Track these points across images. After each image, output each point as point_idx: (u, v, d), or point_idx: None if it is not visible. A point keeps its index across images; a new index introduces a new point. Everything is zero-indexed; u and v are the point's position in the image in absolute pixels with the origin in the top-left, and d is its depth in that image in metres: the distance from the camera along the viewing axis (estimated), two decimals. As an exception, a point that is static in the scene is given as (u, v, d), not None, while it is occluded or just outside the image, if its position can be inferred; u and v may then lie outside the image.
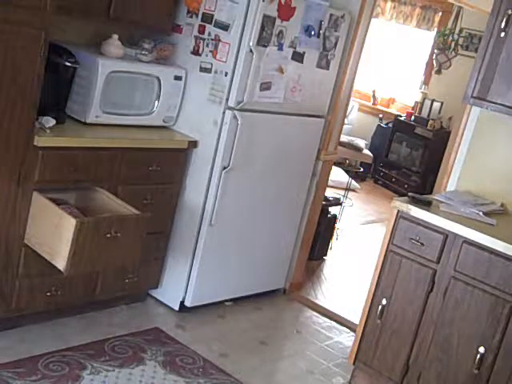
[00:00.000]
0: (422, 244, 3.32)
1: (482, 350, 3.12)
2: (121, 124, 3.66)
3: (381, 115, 9.11)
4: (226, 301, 4.26)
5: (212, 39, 3.75)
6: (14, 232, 3.21)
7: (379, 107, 9.39)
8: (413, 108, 8.74)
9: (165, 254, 3.99)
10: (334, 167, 5.19)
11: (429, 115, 8.38)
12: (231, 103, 3.73)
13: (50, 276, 3.33)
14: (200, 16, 3.80)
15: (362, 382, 3.61)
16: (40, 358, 3.21)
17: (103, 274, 3.61)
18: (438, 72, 8.54)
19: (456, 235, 3.21)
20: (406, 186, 8.25)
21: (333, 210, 5.71)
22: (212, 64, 3.76)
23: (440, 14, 8.75)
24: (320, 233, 5.16)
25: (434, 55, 8.55)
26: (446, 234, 3.25)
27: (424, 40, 8.99)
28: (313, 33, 3.95)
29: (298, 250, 4.64)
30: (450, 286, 3.24)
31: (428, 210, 3.32)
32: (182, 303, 4.00)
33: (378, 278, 3.49)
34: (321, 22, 3.98)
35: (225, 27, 3.69)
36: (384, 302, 3.45)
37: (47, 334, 3.44)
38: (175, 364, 3.46)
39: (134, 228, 3.25)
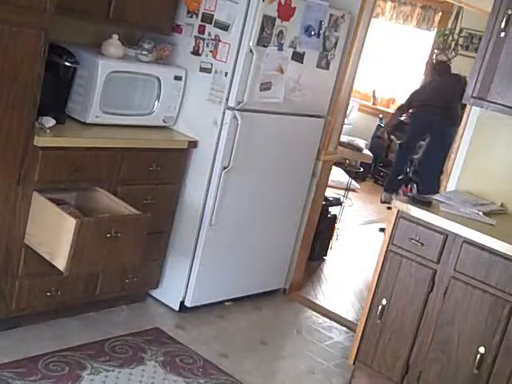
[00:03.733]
0: (422, 244, 3.32)
1: (482, 350, 3.12)
2: (121, 124, 3.66)
3: (381, 115, 9.10)
4: (226, 301, 4.26)
5: (212, 39, 3.75)
6: (14, 232, 3.21)
7: (379, 107, 9.38)
8: (413, 108, 8.72)
9: (165, 254, 3.99)
10: (334, 167, 5.19)
11: (429, 115, 8.35)
12: (231, 103, 3.73)
13: (50, 276, 3.33)
14: (200, 16, 3.80)
15: (362, 382, 3.60)
16: (40, 357, 3.21)
17: (103, 274, 3.61)
18: (439, 72, 8.54)
19: (456, 235, 3.21)
20: (406, 185, 8.24)
21: (333, 210, 5.70)
22: (212, 64, 3.76)
23: (440, 14, 8.75)
24: (320, 233, 5.15)
25: (434, 55, 8.55)
26: (446, 234, 3.25)
27: (424, 40, 8.99)
28: (313, 33, 3.95)
29: (298, 250, 4.63)
30: (450, 286, 3.24)
31: (428, 210, 3.32)
32: (181, 303, 4.00)
33: (378, 277, 3.49)
34: (321, 22, 3.98)
35: (225, 27, 3.69)
36: (384, 302, 3.45)
37: (47, 334, 3.44)
38: (175, 364, 3.46)
39: (134, 228, 3.25)
